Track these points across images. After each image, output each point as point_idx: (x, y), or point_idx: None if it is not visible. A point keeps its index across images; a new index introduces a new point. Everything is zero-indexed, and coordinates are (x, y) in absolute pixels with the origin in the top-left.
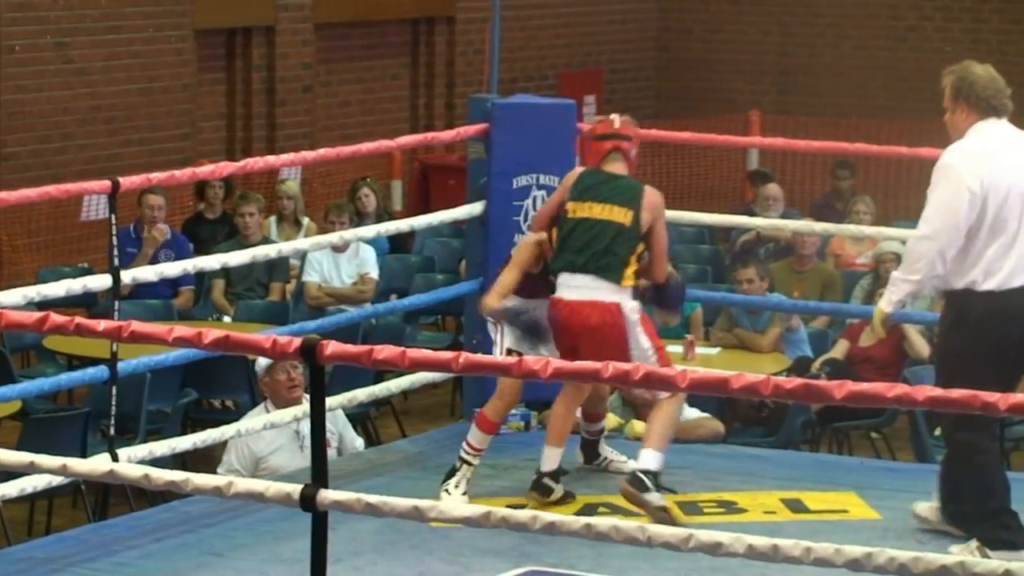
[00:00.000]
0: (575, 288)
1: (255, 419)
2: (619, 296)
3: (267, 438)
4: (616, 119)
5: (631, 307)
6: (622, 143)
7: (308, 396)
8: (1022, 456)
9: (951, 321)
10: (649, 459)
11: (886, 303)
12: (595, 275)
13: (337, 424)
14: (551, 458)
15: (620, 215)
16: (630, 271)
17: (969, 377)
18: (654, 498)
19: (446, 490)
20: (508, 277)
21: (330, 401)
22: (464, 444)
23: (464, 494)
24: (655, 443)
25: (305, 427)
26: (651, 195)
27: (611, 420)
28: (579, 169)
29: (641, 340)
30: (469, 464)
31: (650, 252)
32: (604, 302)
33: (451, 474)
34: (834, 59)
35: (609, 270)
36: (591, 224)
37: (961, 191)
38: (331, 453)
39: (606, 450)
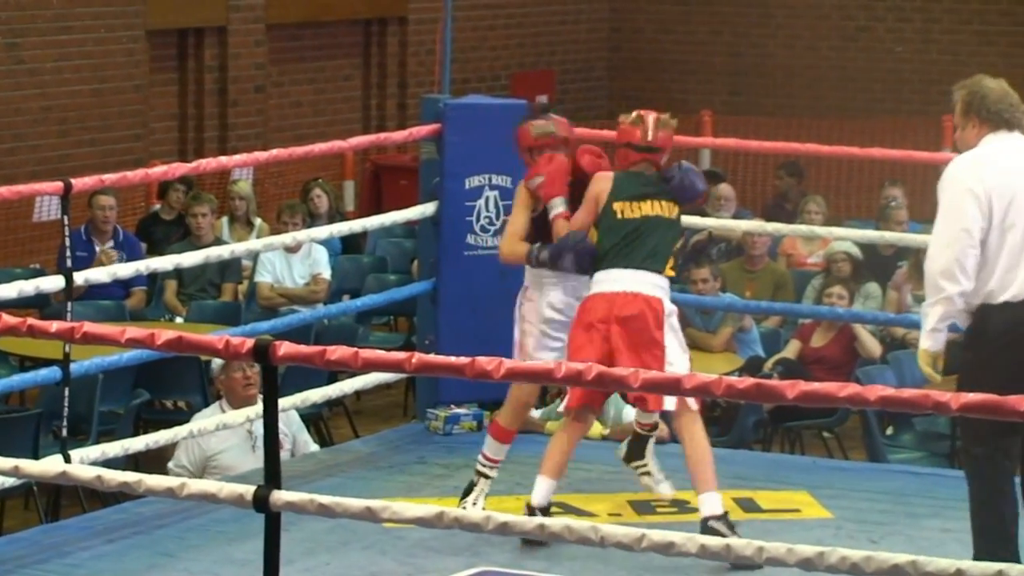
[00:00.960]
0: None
1: (209, 419)
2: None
3: (219, 437)
4: (650, 126)
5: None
6: (655, 156)
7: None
8: None
9: (969, 338)
10: (712, 503)
11: (924, 339)
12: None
13: (291, 427)
14: (542, 491)
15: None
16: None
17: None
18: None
19: (463, 507)
20: (519, 220)
21: (283, 402)
22: (480, 456)
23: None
24: (708, 484)
25: (258, 427)
26: None
27: (594, 427)
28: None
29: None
30: (486, 477)
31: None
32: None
33: (468, 490)
34: (785, 59)
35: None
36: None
37: (964, 195)
38: (284, 455)
39: (651, 458)
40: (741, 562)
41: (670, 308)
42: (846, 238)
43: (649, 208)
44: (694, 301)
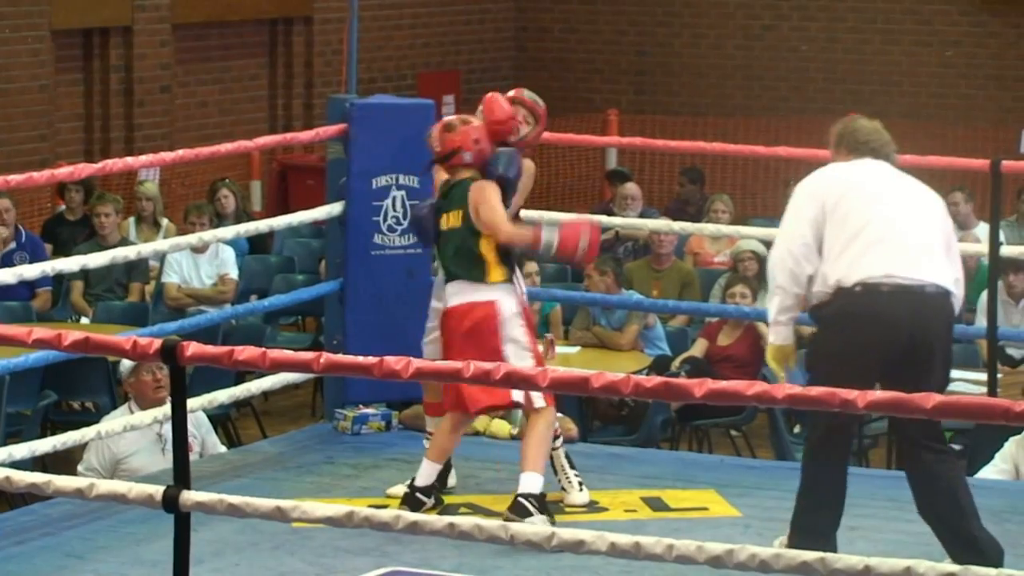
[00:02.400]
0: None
1: (117, 420)
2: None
3: (128, 439)
4: (434, 135)
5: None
6: (445, 163)
7: None
8: (880, 452)
9: (815, 318)
10: (530, 482)
11: (771, 334)
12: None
13: (200, 428)
14: (427, 473)
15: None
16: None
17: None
18: (539, 523)
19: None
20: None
21: (191, 403)
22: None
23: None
24: (533, 464)
25: (168, 430)
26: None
27: (502, 427)
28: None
29: (516, 334)
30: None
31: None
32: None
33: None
34: (691, 58)
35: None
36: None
37: (799, 197)
38: (193, 456)
39: (566, 467)
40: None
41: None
42: (752, 237)
43: (444, 222)
44: (601, 300)
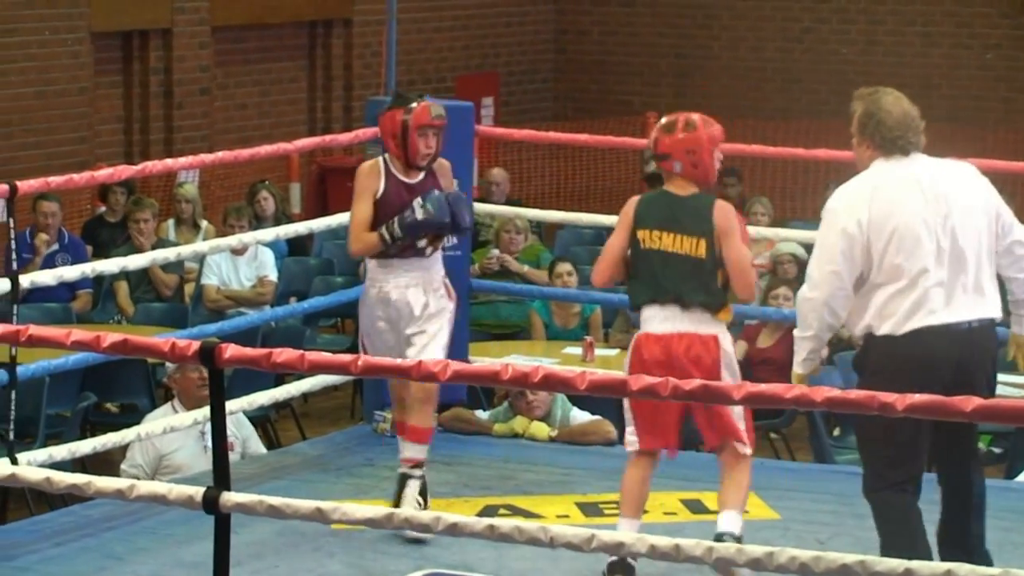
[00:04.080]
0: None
1: (158, 421)
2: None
3: (172, 436)
4: (652, 133)
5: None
6: (663, 163)
7: None
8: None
9: (856, 366)
10: (732, 521)
11: (797, 365)
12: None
13: (241, 430)
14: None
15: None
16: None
17: (875, 426)
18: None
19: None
20: (361, 210)
21: (230, 404)
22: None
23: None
24: (736, 504)
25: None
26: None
27: (541, 429)
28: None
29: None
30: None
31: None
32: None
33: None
34: (729, 61)
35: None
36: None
37: (837, 235)
38: (234, 457)
39: (409, 503)
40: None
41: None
42: (792, 239)
43: (671, 242)
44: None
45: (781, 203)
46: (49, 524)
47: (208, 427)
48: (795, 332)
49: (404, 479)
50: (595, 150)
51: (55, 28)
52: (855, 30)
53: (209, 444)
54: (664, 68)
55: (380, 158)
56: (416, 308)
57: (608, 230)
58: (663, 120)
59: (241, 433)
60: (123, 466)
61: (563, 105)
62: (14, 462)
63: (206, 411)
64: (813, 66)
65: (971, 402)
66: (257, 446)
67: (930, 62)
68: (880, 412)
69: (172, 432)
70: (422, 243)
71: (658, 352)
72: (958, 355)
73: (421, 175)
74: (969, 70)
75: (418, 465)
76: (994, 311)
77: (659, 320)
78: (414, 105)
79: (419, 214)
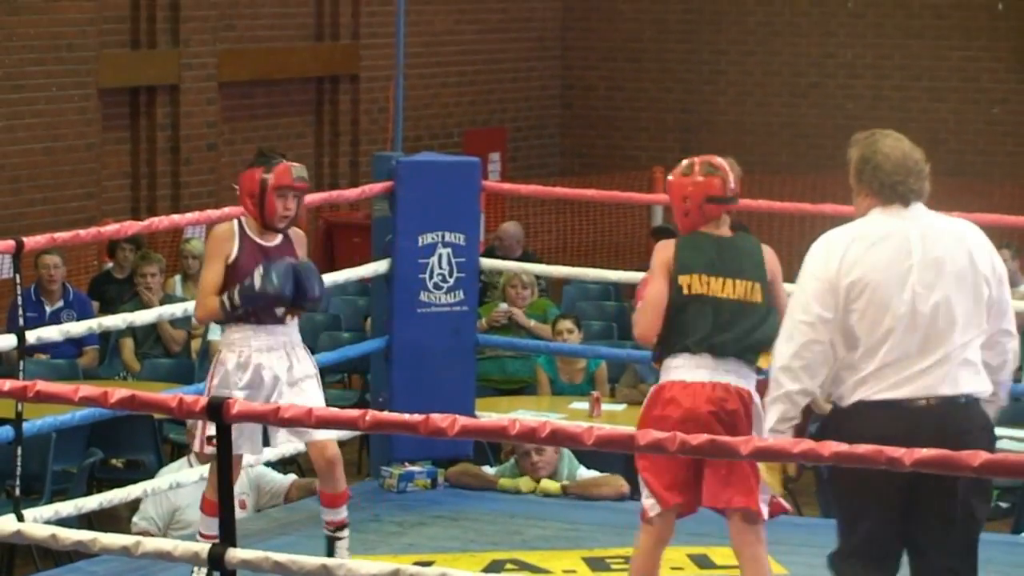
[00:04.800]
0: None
1: (171, 475)
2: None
3: (187, 490)
4: (728, 174)
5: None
6: (736, 205)
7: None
8: None
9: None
10: None
11: (764, 432)
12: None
13: (248, 484)
14: None
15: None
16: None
17: (843, 507)
18: None
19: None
20: (210, 274)
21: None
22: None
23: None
24: None
25: None
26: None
27: (551, 484)
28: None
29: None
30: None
31: None
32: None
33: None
34: (736, 116)
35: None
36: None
37: (814, 284)
38: (246, 513)
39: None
40: None
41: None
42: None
43: (720, 287)
44: (648, 357)
45: (788, 259)
46: None
47: None
48: (765, 401)
49: (331, 542)
50: (602, 205)
51: (62, 84)
52: (861, 85)
53: None
54: (671, 123)
55: (235, 220)
56: (281, 373)
57: (615, 285)
58: (720, 161)
59: (251, 489)
60: (135, 519)
61: (570, 160)
62: (20, 518)
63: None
64: (820, 121)
65: (978, 456)
66: (282, 481)
67: (936, 117)
68: (888, 467)
69: (185, 487)
70: (280, 311)
71: (692, 402)
72: (941, 431)
73: (279, 238)
74: (976, 124)
75: (341, 527)
76: (977, 386)
77: (690, 368)
78: (275, 164)
79: (257, 284)
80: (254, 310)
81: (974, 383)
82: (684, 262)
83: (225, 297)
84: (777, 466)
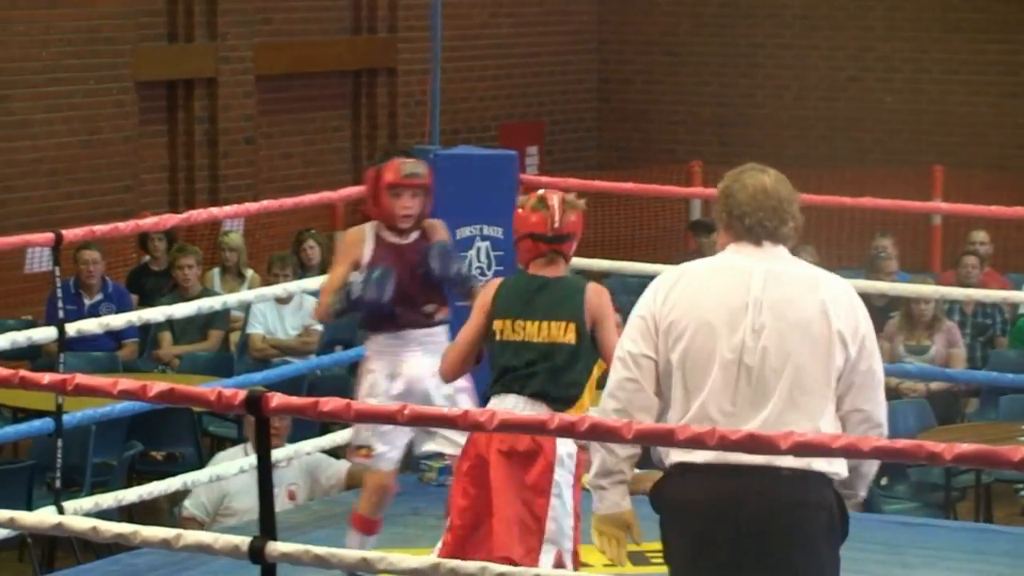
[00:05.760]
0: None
1: (227, 463)
2: None
3: (239, 478)
4: (556, 212)
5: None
6: (562, 246)
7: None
8: (968, 505)
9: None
10: None
11: (594, 499)
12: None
13: (300, 473)
14: None
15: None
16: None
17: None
18: None
19: None
20: (334, 274)
21: (276, 453)
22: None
23: None
24: None
25: (277, 474)
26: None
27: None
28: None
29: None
30: None
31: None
32: None
33: None
34: (773, 110)
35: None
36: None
37: (634, 320)
38: (298, 502)
39: None
40: None
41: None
42: None
43: (536, 331)
44: None
45: (826, 251)
46: (95, 573)
47: (275, 474)
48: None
49: None
50: (639, 198)
51: (100, 78)
52: (900, 79)
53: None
54: (707, 117)
55: (370, 223)
56: (431, 386)
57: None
58: (563, 199)
59: (302, 478)
60: (185, 503)
61: (607, 154)
62: (60, 511)
63: (275, 455)
64: (857, 115)
65: (1020, 451)
66: (339, 470)
67: (976, 111)
68: (928, 462)
69: (236, 476)
70: (429, 308)
71: (485, 440)
72: (735, 511)
73: (412, 236)
74: (1015, 118)
75: None
76: (808, 462)
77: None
78: (387, 163)
79: (355, 291)
80: (400, 314)
81: (803, 459)
82: (500, 306)
83: (331, 303)
84: (621, 537)
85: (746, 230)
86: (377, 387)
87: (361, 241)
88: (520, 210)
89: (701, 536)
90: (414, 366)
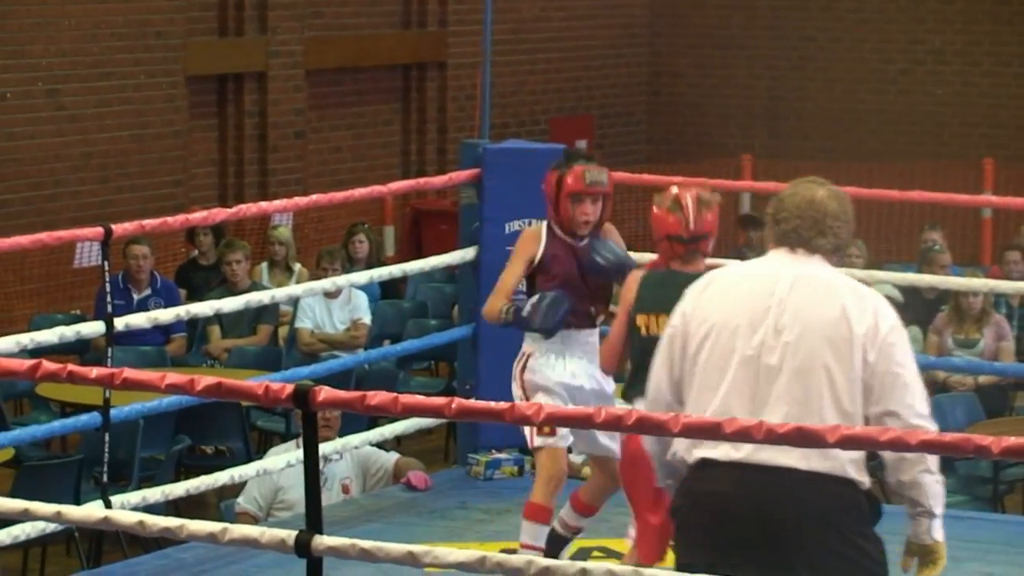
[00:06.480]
0: None
1: (280, 456)
2: None
3: (293, 472)
4: (691, 213)
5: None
6: (700, 245)
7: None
8: (1016, 499)
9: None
10: None
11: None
12: None
13: (353, 467)
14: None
15: None
16: None
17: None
18: None
19: None
20: (508, 274)
21: (322, 447)
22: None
23: None
24: None
25: (329, 468)
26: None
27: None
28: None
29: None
30: None
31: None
32: None
33: None
34: (824, 103)
35: None
36: None
37: (667, 332)
38: (346, 497)
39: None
40: None
41: None
42: (887, 282)
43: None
44: None
45: (876, 245)
46: (143, 567)
47: (327, 468)
48: None
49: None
50: None
51: (151, 72)
52: (950, 71)
53: (327, 484)
54: (758, 110)
55: (546, 221)
56: (592, 385)
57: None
58: (697, 197)
59: (355, 472)
60: (239, 499)
61: (657, 147)
62: (108, 505)
63: (324, 450)
64: (908, 108)
65: None
66: (387, 461)
67: None
68: (976, 455)
69: (294, 468)
70: (592, 309)
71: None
72: (755, 508)
73: (587, 238)
74: None
75: (577, 532)
76: (826, 464)
77: None
78: (570, 168)
79: (525, 311)
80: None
81: (825, 460)
82: (643, 300)
83: (503, 310)
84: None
85: (783, 235)
86: (543, 370)
87: (537, 240)
88: (656, 210)
89: (721, 530)
90: (575, 364)
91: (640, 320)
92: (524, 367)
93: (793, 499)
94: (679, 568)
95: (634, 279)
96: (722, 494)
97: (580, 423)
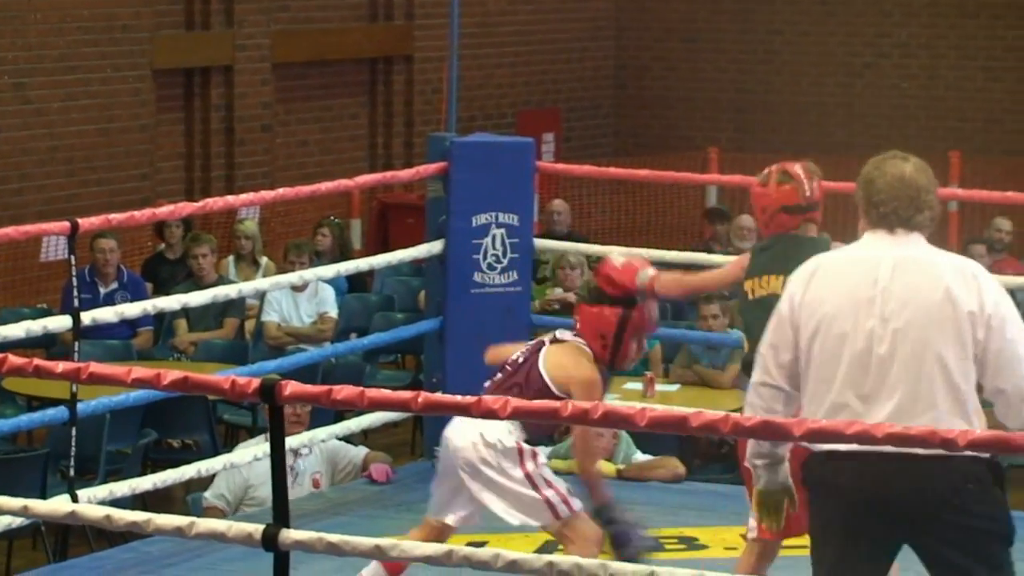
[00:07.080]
0: None
1: (217, 459)
2: None
3: (261, 467)
4: (804, 180)
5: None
6: (815, 213)
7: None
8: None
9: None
10: None
11: (753, 477)
12: None
13: (322, 461)
14: None
15: None
16: None
17: (816, 556)
18: None
19: None
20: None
21: (293, 440)
22: None
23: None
24: None
25: (299, 463)
26: None
27: (607, 466)
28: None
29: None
30: None
31: None
32: None
33: None
34: (791, 96)
35: None
36: None
37: (774, 320)
38: (316, 491)
39: None
40: None
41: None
42: None
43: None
44: (702, 338)
45: (844, 238)
46: (109, 560)
47: (297, 462)
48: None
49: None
50: (656, 185)
51: (117, 65)
52: (916, 65)
53: (298, 479)
54: (725, 103)
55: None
56: None
57: (668, 265)
58: (797, 169)
59: (324, 466)
60: (207, 494)
61: (624, 141)
62: (74, 499)
63: (291, 443)
64: (875, 101)
65: None
66: (356, 456)
67: (992, 96)
68: (941, 448)
69: (263, 463)
70: None
71: None
72: (882, 494)
73: None
74: None
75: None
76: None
77: None
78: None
79: (631, 534)
80: None
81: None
82: (751, 268)
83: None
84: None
85: (881, 217)
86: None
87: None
88: (761, 188)
89: (853, 521)
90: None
91: (747, 285)
92: (535, 461)
93: (918, 485)
94: (815, 560)
95: (746, 257)
96: (855, 487)
97: (547, 416)
